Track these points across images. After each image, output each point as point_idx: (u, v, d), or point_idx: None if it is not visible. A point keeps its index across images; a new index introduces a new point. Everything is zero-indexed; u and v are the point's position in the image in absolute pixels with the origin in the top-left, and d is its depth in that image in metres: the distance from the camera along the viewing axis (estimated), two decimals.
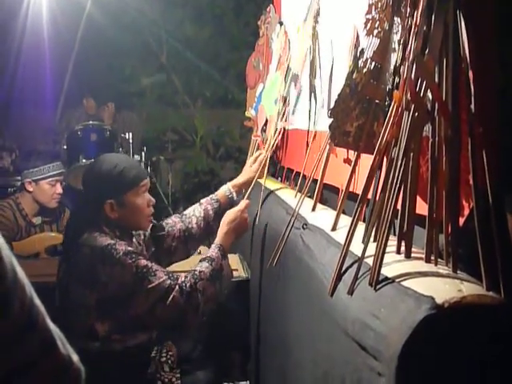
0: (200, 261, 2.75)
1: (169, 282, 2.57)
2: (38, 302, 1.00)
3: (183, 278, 2.62)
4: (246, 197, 3.14)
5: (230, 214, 2.93)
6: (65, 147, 5.70)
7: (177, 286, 2.57)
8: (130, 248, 2.62)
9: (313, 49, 2.97)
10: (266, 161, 3.30)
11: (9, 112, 6.43)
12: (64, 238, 2.82)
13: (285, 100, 3.45)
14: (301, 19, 3.26)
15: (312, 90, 3.01)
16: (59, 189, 4.48)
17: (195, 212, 3.22)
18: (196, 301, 2.59)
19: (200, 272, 2.66)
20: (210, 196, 3.29)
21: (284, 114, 3.41)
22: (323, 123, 2.73)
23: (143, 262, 2.58)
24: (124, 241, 2.71)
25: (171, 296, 2.54)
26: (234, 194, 3.26)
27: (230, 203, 3.25)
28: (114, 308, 2.58)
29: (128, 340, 2.68)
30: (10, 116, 6.50)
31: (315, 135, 2.95)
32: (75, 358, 1.07)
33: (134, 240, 2.91)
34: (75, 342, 1.11)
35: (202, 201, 3.27)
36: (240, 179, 3.31)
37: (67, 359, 1.04)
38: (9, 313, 0.93)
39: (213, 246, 2.82)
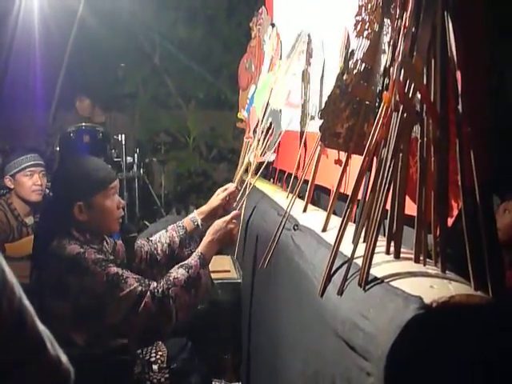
0: (177, 267, 2.70)
1: (140, 288, 2.52)
2: (26, 302, 1.01)
3: (155, 284, 2.57)
4: (238, 207, 3.12)
5: (215, 224, 2.89)
6: (57, 148, 5.71)
7: (148, 292, 2.51)
8: (99, 256, 2.57)
9: (304, 93, 2.95)
10: (234, 191, 3.30)
11: (0, 113, 6.41)
12: (34, 244, 2.74)
13: (262, 132, 3.46)
14: (284, 54, 3.26)
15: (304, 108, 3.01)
16: (38, 180, 4.38)
17: (161, 238, 3.21)
18: (168, 307, 2.54)
19: (174, 278, 2.60)
20: (177, 223, 3.27)
21: (262, 146, 3.42)
22: (314, 125, 2.74)
23: (113, 269, 2.54)
24: (94, 245, 2.69)
25: (143, 302, 2.49)
26: (199, 221, 3.24)
27: (196, 230, 3.25)
28: (89, 318, 2.53)
29: (108, 344, 2.67)
30: (1, 117, 6.48)
31: (307, 137, 2.95)
32: (64, 358, 1.07)
33: (104, 244, 2.86)
34: None
35: (168, 227, 3.26)
36: (206, 207, 3.29)
37: (56, 360, 1.05)
38: None
39: (194, 253, 2.78)
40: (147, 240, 3.21)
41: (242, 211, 3.13)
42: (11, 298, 0.96)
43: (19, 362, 0.99)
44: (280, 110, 3.29)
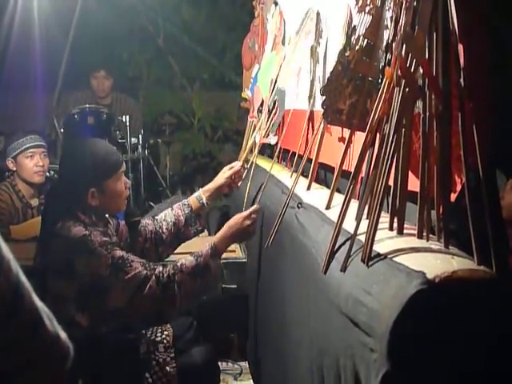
0: (189, 255, 2.71)
1: (145, 272, 2.55)
2: (24, 279, 1.00)
3: (161, 268, 2.59)
4: (257, 201, 3.07)
5: (233, 219, 2.85)
6: (62, 130, 5.70)
7: (153, 276, 2.54)
8: (105, 238, 2.60)
9: (312, 70, 2.92)
10: (240, 170, 3.29)
11: (3, 96, 6.39)
12: (41, 226, 2.76)
13: (268, 110, 3.43)
14: (293, 29, 3.22)
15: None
16: (40, 161, 4.41)
17: (166, 217, 3.20)
18: (172, 292, 2.57)
19: (181, 264, 2.62)
20: (183, 201, 3.27)
21: (266, 127, 3.41)
22: (318, 103, 2.72)
23: (119, 252, 2.56)
24: (99, 228, 2.70)
25: (147, 286, 2.52)
26: (205, 200, 3.23)
27: (202, 208, 3.25)
28: (92, 300, 2.57)
29: (113, 325, 2.69)
30: (4, 100, 6.47)
31: (310, 115, 2.93)
32: (63, 335, 1.07)
33: (108, 226, 2.88)
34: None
35: (173, 206, 3.26)
36: (211, 185, 3.28)
37: (54, 336, 1.05)
38: None
39: (207, 243, 2.75)
40: (152, 219, 3.21)
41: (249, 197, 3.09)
42: (8, 274, 0.96)
43: (17, 339, 0.99)
44: (284, 91, 3.27)
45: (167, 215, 3.21)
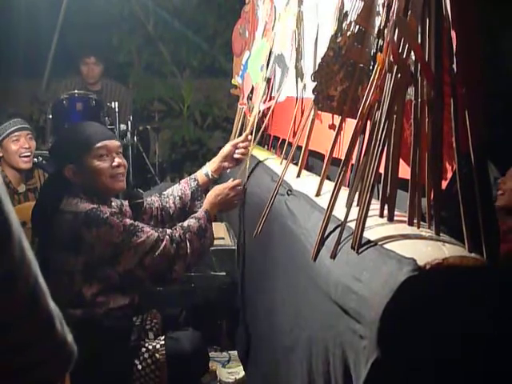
0: (188, 218, 2.89)
1: (157, 234, 2.68)
2: (41, 280, 0.98)
3: (171, 230, 2.75)
4: (238, 175, 3.17)
5: (216, 189, 3.03)
6: (50, 117, 5.66)
7: (167, 236, 2.69)
8: (114, 210, 2.75)
9: (297, 33, 2.91)
10: (245, 139, 3.27)
11: None
12: (38, 208, 2.82)
13: (268, 81, 3.42)
14: (282, 5, 3.20)
15: (298, 72, 2.97)
16: (25, 143, 4.30)
17: (173, 191, 3.26)
18: (184, 250, 2.73)
19: (188, 225, 2.80)
20: (190, 176, 3.33)
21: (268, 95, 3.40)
22: (308, 90, 2.71)
23: (129, 221, 2.68)
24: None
25: (162, 245, 2.66)
26: (211, 173, 3.25)
27: (208, 181, 3.30)
28: (102, 268, 2.66)
29: (110, 302, 2.70)
30: None
31: (301, 102, 2.93)
32: (70, 338, 1.06)
33: (113, 205, 2.94)
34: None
35: (181, 181, 3.32)
36: (217, 157, 3.29)
37: (62, 339, 1.03)
38: (12, 291, 0.92)
39: (200, 209, 2.95)
40: (159, 195, 3.28)
41: (245, 180, 3.17)
42: (27, 277, 0.94)
43: (28, 341, 0.98)
44: (282, 54, 3.23)
45: (174, 190, 3.28)
